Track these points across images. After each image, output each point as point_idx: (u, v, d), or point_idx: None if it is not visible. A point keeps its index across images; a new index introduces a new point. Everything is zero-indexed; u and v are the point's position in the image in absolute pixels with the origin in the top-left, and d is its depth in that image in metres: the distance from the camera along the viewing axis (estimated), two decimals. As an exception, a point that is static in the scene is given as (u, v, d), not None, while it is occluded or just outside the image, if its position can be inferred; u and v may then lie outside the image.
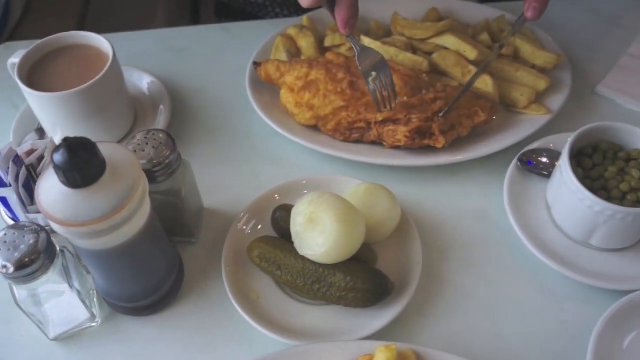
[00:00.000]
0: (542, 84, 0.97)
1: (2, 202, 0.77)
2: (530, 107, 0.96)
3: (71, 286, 0.72)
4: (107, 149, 0.65)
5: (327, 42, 1.05)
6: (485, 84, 0.96)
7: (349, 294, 0.74)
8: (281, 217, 0.81)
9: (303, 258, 0.76)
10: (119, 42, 0.96)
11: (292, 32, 1.06)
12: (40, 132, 0.97)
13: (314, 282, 0.75)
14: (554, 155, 0.89)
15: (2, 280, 0.69)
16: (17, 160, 0.77)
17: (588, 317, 0.77)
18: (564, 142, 0.82)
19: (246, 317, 0.76)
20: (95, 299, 0.79)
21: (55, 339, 0.78)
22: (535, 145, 0.92)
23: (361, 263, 0.77)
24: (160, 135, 0.77)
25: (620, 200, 0.79)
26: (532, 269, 0.83)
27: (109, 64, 0.88)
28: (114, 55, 0.90)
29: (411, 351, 0.70)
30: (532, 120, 0.96)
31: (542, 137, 0.93)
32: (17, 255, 0.66)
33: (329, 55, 0.98)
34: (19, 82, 0.87)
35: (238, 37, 1.16)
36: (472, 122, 0.93)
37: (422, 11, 1.11)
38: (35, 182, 0.78)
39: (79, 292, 0.74)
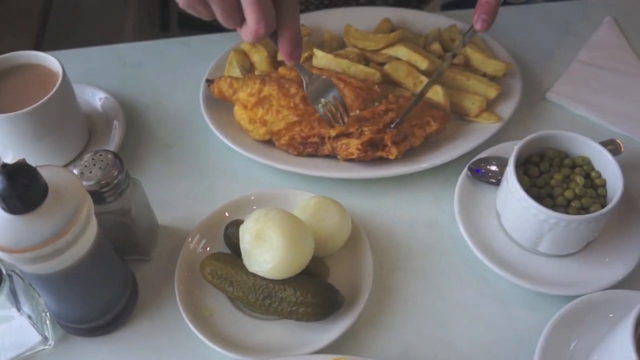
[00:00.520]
0: (492, 92, 0.99)
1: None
2: (482, 116, 0.98)
3: (19, 310, 0.72)
4: (49, 173, 0.65)
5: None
6: (436, 94, 0.97)
7: (300, 308, 0.75)
8: (232, 234, 0.81)
9: (254, 274, 0.76)
10: (75, 59, 0.97)
11: (245, 46, 1.06)
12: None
13: (265, 298, 0.76)
14: (503, 163, 0.90)
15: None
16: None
17: (537, 323, 0.78)
18: (513, 150, 0.84)
19: (199, 335, 0.76)
20: (47, 321, 0.79)
21: (7, 364, 0.78)
22: (485, 153, 0.94)
23: (312, 277, 0.77)
24: (109, 156, 0.77)
25: (565, 207, 0.81)
26: (483, 277, 0.84)
27: (58, 84, 0.88)
28: (64, 74, 0.90)
29: (360, 364, 0.71)
30: (484, 129, 0.97)
31: (493, 145, 0.95)
32: (-39, 282, 0.66)
33: (282, 70, 0.99)
34: (-33, 104, 0.87)
35: (196, 51, 1.16)
36: (424, 131, 0.94)
37: (376, 22, 1.12)
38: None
39: (29, 316, 0.74)
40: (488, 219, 0.88)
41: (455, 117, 1.00)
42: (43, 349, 0.78)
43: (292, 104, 0.94)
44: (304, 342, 0.76)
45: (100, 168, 0.75)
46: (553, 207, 0.80)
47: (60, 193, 0.64)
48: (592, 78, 1.10)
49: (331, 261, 0.83)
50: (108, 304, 0.77)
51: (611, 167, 0.81)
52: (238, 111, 0.96)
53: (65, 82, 0.90)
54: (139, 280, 0.85)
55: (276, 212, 0.74)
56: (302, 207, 0.81)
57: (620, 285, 0.81)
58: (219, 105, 1.01)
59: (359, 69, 0.99)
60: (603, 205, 0.79)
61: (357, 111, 0.94)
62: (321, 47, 1.08)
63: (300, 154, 0.94)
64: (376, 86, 0.98)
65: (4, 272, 0.70)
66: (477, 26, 0.90)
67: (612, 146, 0.94)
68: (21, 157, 0.64)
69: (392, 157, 0.91)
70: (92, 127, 1.01)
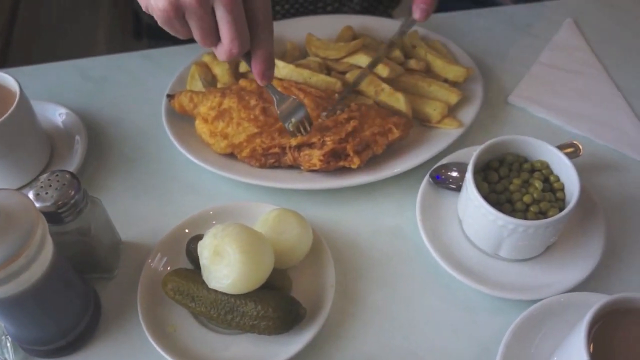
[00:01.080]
0: (453, 97, 1.00)
1: None
2: (443, 122, 0.98)
3: (-23, 334, 0.72)
4: (0, 197, 0.64)
5: (242, 68, 1.05)
6: (397, 101, 0.98)
7: (261, 322, 0.75)
8: (194, 249, 0.81)
9: (216, 289, 0.76)
10: (37, 75, 0.96)
11: (206, 59, 1.06)
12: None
13: (226, 313, 0.76)
14: (464, 169, 0.90)
15: None
16: None
17: (499, 328, 0.79)
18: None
19: (162, 352, 0.76)
20: (8, 344, 0.78)
21: (-32, 388, 0.77)
22: (447, 159, 0.94)
23: (273, 290, 0.77)
24: (66, 176, 0.76)
25: (524, 212, 0.81)
26: (445, 283, 0.85)
27: (15, 104, 0.87)
28: (21, 93, 0.89)
29: (322, 376, 0.71)
30: (446, 135, 0.98)
31: (456, 150, 0.96)
32: None
33: (242, 82, 0.99)
34: None
35: (159, 64, 1.16)
36: (386, 139, 0.94)
37: (339, 30, 1.13)
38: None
39: (-12, 340, 0.74)
40: (450, 225, 0.89)
41: (418, 124, 1.00)
42: (5, 372, 0.78)
43: (252, 116, 0.94)
44: (267, 356, 0.76)
45: (56, 189, 0.74)
46: (512, 212, 0.81)
47: (11, 216, 0.64)
48: (553, 80, 1.11)
49: (294, 273, 0.83)
50: (69, 325, 0.77)
51: (568, 171, 0.82)
52: (199, 125, 0.96)
53: (23, 101, 0.90)
54: (102, 298, 0.84)
55: (234, 228, 0.74)
56: (263, 221, 0.82)
57: (581, 287, 0.82)
58: (183, 119, 1.01)
59: (320, 79, 1.00)
60: (561, 209, 0.80)
61: (320, 120, 0.94)
62: (284, 57, 1.08)
63: (263, 166, 0.94)
64: (337, 95, 0.98)
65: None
66: (416, 15, 0.91)
67: (571, 149, 0.96)
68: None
69: (354, 166, 0.91)
70: (53, 144, 1.01)
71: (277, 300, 0.75)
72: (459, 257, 0.85)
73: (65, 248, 0.76)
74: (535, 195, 0.82)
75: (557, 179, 0.84)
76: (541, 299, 0.79)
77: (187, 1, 0.71)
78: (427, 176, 0.92)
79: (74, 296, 0.77)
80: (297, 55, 1.10)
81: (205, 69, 1.05)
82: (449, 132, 0.98)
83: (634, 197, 0.94)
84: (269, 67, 0.82)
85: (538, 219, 0.79)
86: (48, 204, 0.73)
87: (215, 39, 0.77)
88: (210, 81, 1.05)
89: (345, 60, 1.04)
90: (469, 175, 0.81)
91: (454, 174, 0.91)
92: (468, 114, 1.01)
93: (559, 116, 1.05)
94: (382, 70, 1.00)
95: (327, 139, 0.92)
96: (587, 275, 0.82)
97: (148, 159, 1.01)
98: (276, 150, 0.93)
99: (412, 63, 1.04)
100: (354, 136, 0.92)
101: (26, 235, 0.64)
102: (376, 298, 0.84)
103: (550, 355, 0.73)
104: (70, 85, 1.14)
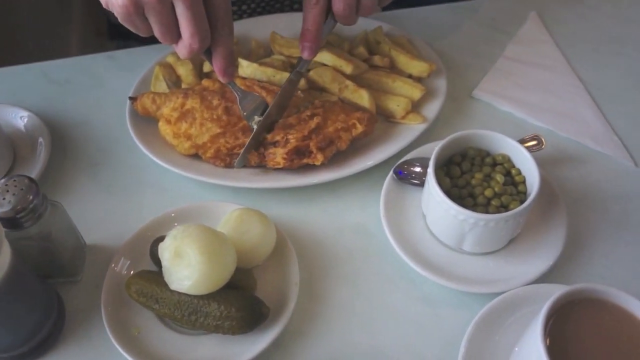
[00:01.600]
0: (417, 93, 1.00)
1: None
2: (407, 117, 0.99)
3: (-64, 343, 0.71)
4: (-46, 204, 0.64)
5: (206, 68, 1.05)
6: (361, 98, 0.98)
7: (225, 322, 0.75)
8: (157, 251, 0.80)
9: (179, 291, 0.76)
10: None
11: (170, 60, 1.06)
12: None
13: (190, 314, 0.76)
14: (427, 164, 0.90)
15: None
16: None
17: (463, 322, 0.79)
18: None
19: (126, 355, 0.76)
20: (-29, 351, 0.78)
21: None
22: (411, 155, 0.95)
23: (236, 290, 0.77)
24: (25, 181, 0.75)
25: (486, 206, 0.82)
26: (410, 279, 0.85)
27: (-27, 108, 0.86)
28: (-21, 98, 0.88)
29: (285, 375, 0.71)
30: (410, 130, 0.98)
31: (420, 146, 0.96)
32: None
33: (205, 82, 0.98)
34: None
35: (122, 65, 1.15)
36: (350, 135, 0.95)
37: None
38: None
39: (-52, 348, 0.73)
40: (414, 220, 0.89)
41: (382, 120, 1.01)
42: (-33, 380, 0.77)
43: (215, 116, 0.94)
44: (232, 355, 0.76)
45: (14, 194, 0.74)
46: (474, 206, 0.82)
47: (-34, 223, 0.63)
48: (518, 74, 1.12)
49: (258, 272, 0.83)
50: (32, 331, 0.76)
51: (529, 164, 0.82)
52: (162, 126, 0.95)
53: (-18, 105, 0.89)
54: (67, 302, 0.84)
55: (194, 228, 0.74)
56: (225, 221, 0.82)
57: (544, 278, 0.83)
58: (148, 120, 1.00)
59: (284, 77, 0.99)
60: (523, 202, 0.80)
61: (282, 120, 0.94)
62: (248, 56, 1.08)
63: (228, 166, 0.94)
64: (299, 92, 0.98)
65: None
66: (304, 54, 0.91)
67: (535, 141, 0.97)
68: None
69: (318, 163, 0.91)
70: (16, 148, 1.00)
71: (240, 300, 0.75)
72: (423, 253, 0.86)
73: (27, 253, 0.75)
74: (496, 189, 0.82)
75: (519, 172, 0.84)
76: (505, 292, 0.80)
77: None
78: (391, 172, 0.92)
79: (35, 302, 0.76)
80: (262, 53, 1.09)
81: (170, 69, 1.05)
82: (413, 128, 0.99)
83: (596, 188, 0.95)
84: (230, 64, 0.83)
85: (500, 212, 0.80)
86: (6, 209, 0.73)
87: (176, 35, 0.78)
88: (175, 82, 1.04)
89: (309, 58, 1.04)
90: (430, 171, 0.82)
91: (417, 169, 0.92)
92: (432, 109, 1.01)
93: (522, 109, 1.06)
94: (346, 67, 1.00)
95: (291, 136, 0.92)
96: (549, 266, 0.83)
97: (113, 162, 1.01)
98: (240, 150, 0.92)
99: (376, 59, 1.05)
100: (317, 133, 0.92)
101: (-19, 241, 0.63)
102: (341, 295, 0.84)
103: (512, 348, 0.73)
104: (33, 88, 1.12)
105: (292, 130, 0.93)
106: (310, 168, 0.94)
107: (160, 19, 0.75)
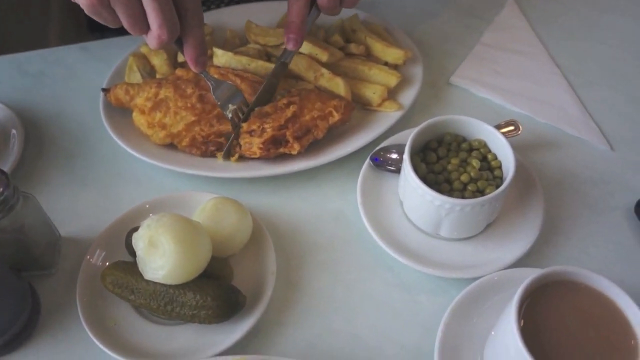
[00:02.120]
0: (393, 80, 1.00)
1: None
2: (384, 105, 0.99)
3: None
4: None
5: (181, 58, 1.04)
6: (337, 86, 0.98)
7: (201, 311, 0.74)
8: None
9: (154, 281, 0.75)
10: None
11: (144, 50, 1.05)
12: None
13: (166, 304, 0.75)
14: (403, 151, 0.91)
15: None
16: None
17: (441, 307, 0.79)
18: (410, 138, 0.85)
19: (102, 347, 0.75)
20: (-58, 346, 0.76)
21: None
22: (388, 142, 0.95)
23: (212, 279, 0.77)
24: (-6, 173, 0.75)
25: (462, 191, 0.82)
26: (388, 266, 0.85)
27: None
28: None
29: (262, 362, 0.70)
30: (387, 118, 0.98)
31: (397, 132, 0.96)
32: None
33: (179, 71, 0.97)
34: None
35: (96, 56, 1.14)
36: (327, 123, 0.94)
37: (279, 16, 1.12)
38: None
39: None
40: (392, 207, 0.89)
41: (359, 108, 1.00)
42: (-60, 375, 0.76)
43: (189, 104, 0.93)
44: (209, 345, 0.76)
45: (-18, 186, 0.73)
46: (450, 192, 0.82)
47: None
48: (495, 60, 1.12)
49: (235, 261, 0.82)
50: (5, 324, 0.75)
51: (505, 149, 0.82)
52: (136, 117, 0.94)
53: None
54: (42, 295, 0.83)
55: (168, 218, 0.73)
56: (200, 210, 0.81)
57: (521, 263, 0.83)
58: (122, 111, 0.99)
59: (259, 65, 0.99)
60: (499, 187, 0.80)
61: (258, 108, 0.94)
62: (224, 45, 1.07)
63: (204, 154, 0.93)
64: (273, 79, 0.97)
65: None
66: (288, 46, 0.93)
67: (511, 127, 0.97)
68: None
69: (294, 152, 0.91)
70: (-12, 141, 0.99)
71: (216, 289, 0.75)
72: (401, 239, 0.85)
73: (-1, 246, 0.75)
74: (472, 174, 0.82)
75: (495, 157, 0.84)
76: (482, 277, 0.80)
77: None
78: (368, 159, 0.92)
79: (7, 295, 0.75)
80: (237, 43, 1.09)
81: (143, 60, 1.04)
82: (390, 115, 0.98)
83: (572, 172, 0.95)
84: (202, 53, 0.83)
85: (475, 197, 0.80)
86: (-24, 201, 0.72)
87: (145, 26, 0.77)
88: (149, 72, 1.03)
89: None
90: (406, 157, 0.81)
91: (394, 156, 0.92)
92: (408, 96, 1.01)
93: (500, 96, 1.06)
94: (322, 55, 1.00)
95: (267, 126, 0.91)
96: (527, 250, 0.83)
97: (88, 153, 1.00)
98: (221, 140, 0.92)
99: (352, 47, 1.04)
100: (294, 122, 0.92)
101: (-51, 233, 0.62)
102: (318, 283, 0.84)
103: (488, 332, 0.73)
104: (7, 80, 1.11)
105: (268, 119, 0.92)
106: (286, 157, 0.93)
107: (127, 10, 0.75)
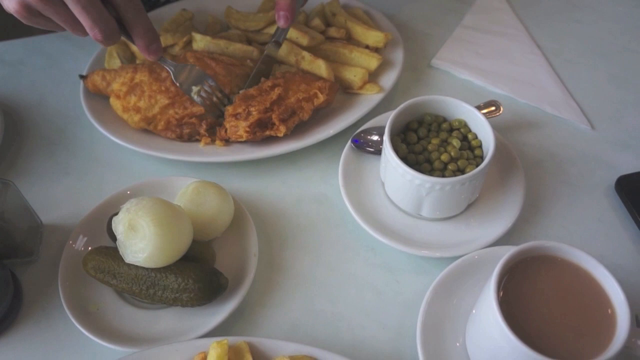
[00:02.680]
0: (374, 62, 1.00)
1: None
2: (365, 88, 0.99)
3: None
4: None
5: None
6: (319, 68, 0.98)
7: (183, 294, 0.74)
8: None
9: (136, 265, 0.75)
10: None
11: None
12: None
13: (148, 287, 0.75)
14: (384, 133, 0.91)
15: None
16: None
17: (422, 287, 0.79)
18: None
19: (84, 332, 0.75)
20: None
21: None
22: (369, 124, 0.95)
23: (194, 262, 0.77)
24: (-27, 160, 0.74)
25: (442, 170, 0.82)
26: (370, 247, 0.85)
27: None
28: None
29: (244, 343, 0.70)
30: (368, 100, 0.98)
31: (379, 115, 0.96)
32: None
33: (155, 57, 0.97)
34: None
35: (77, 45, 1.13)
36: (312, 104, 0.94)
37: (259, 2, 1.12)
38: None
39: None
40: (374, 188, 0.89)
41: (340, 91, 1.00)
42: None
43: (163, 88, 0.93)
44: (191, 327, 0.76)
45: (-39, 172, 0.72)
46: (431, 171, 0.82)
47: None
48: (476, 42, 1.13)
49: (217, 244, 0.82)
50: (-14, 311, 0.75)
51: (484, 128, 0.83)
52: (113, 101, 0.94)
53: None
54: (24, 282, 0.83)
55: (147, 201, 0.73)
56: (181, 194, 0.81)
57: (503, 241, 0.83)
58: (104, 99, 0.98)
59: (237, 48, 0.99)
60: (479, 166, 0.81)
61: (241, 91, 0.94)
62: (205, 31, 1.07)
63: (180, 137, 0.93)
64: (248, 61, 0.98)
65: None
66: (280, 23, 0.93)
67: (492, 107, 0.97)
68: None
69: (280, 134, 0.91)
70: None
71: (198, 272, 0.75)
72: (383, 220, 0.86)
73: (-22, 234, 0.74)
74: (452, 153, 0.82)
75: (475, 137, 0.85)
76: (463, 256, 0.80)
77: (32, 2, 0.72)
78: (349, 141, 0.92)
79: (-12, 281, 0.75)
80: (219, 29, 1.08)
81: (123, 46, 1.03)
82: (371, 98, 0.98)
83: (553, 151, 0.96)
84: (152, 41, 0.83)
85: (456, 176, 0.80)
86: (-47, 189, 0.71)
87: (83, 28, 0.78)
88: (129, 58, 1.03)
89: (266, 31, 1.03)
90: (386, 137, 0.81)
91: (375, 137, 0.92)
92: (389, 79, 1.01)
93: (481, 77, 1.06)
94: (302, 39, 1.00)
95: (252, 109, 0.91)
96: (508, 229, 0.84)
97: (69, 141, 0.99)
98: (192, 120, 0.92)
99: (333, 31, 1.04)
100: (279, 104, 0.92)
101: None
102: (302, 265, 0.84)
103: (470, 310, 0.73)
104: (-16, 70, 1.10)
105: (254, 102, 0.92)
106: (268, 140, 0.93)
107: (59, 17, 0.75)
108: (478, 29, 1.15)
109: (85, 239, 0.84)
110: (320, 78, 0.97)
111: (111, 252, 0.78)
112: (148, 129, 0.93)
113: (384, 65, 1.02)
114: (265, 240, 0.85)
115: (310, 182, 0.93)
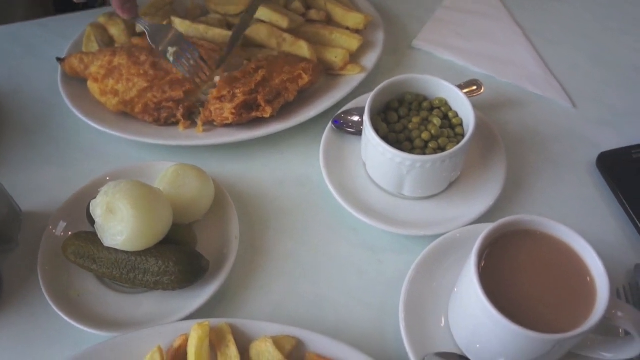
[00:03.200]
0: (354, 43, 0.99)
1: None
2: (346, 68, 0.98)
3: None
4: None
5: (139, 28, 1.02)
6: (301, 49, 0.97)
7: (164, 277, 0.73)
8: (92, 211, 0.79)
9: (116, 249, 0.75)
10: None
11: (102, 20, 1.03)
12: None
13: (129, 271, 0.74)
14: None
15: None
16: None
17: (405, 265, 0.79)
18: (371, 99, 0.84)
19: (65, 318, 0.74)
20: None
21: None
22: (351, 105, 0.94)
23: (175, 245, 0.76)
24: (-53, 146, 0.73)
25: (423, 149, 0.82)
26: (352, 227, 0.85)
27: None
28: None
29: (226, 325, 0.70)
30: (350, 81, 0.98)
31: (360, 96, 0.95)
32: None
33: (134, 40, 0.97)
34: None
35: (55, 32, 1.12)
36: (297, 85, 0.93)
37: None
38: None
39: None
40: (355, 169, 0.89)
41: (323, 73, 0.99)
42: None
43: (142, 71, 0.92)
44: (173, 311, 0.75)
45: None
46: (412, 150, 0.81)
47: None
48: (457, 23, 1.12)
49: (199, 227, 0.82)
50: (-36, 299, 0.74)
51: (465, 106, 0.82)
52: (90, 85, 0.93)
53: None
54: (4, 270, 0.82)
55: (125, 184, 0.72)
56: (161, 177, 0.80)
57: (485, 219, 0.83)
58: (82, 86, 0.97)
59: (216, 33, 0.98)
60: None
61: (226, 74, 0.93)
62: (185, 16, 1.06)
63: (157, 121, 0.92)
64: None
65: None
66: None
67: (474, 86, 0.97)
68: None
69: (267, 115, 0.90)
70: (-56, 120, 0.97)
71: (178, 255, 0.74)
72: (365, 200, 0.85)
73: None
74: (433, 131, 0.82)
75: (456, 115, 0.84)
76: (445, 234, 0.80)
77: None
78: (330, 123, 0.92)
79: (-34, 269, 0.74)
80: (198, 13, 1.07)
81: (101, 30, 1.02)
82: (353, 79, 0.98)
83: (534, 129, 0.96)
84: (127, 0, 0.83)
85: (437, 154, 0.80)
86: None
87: None
88: (107, 42, 1.02)
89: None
90: (366, 117, 0.81)
91: (355, 118, 0.91)
92: (371, 59, 1.01)
93: (463, 57, 1.06)
94: (282, 21, 0.99)
95: (237, 91, 0.90)
96: (490, 206, 0.84)
97: (48, 128, 0.98)
98: (169, 104, 0.91)
99: (313, 14, 1.04)
100: (264, 85, 0.91)
101: None
102: (284, 247, 0.83)
103: (451, 289, 0.73)
104: (-40, 59, 1.09)
105: (238, 84, 0.91)
106: (248, 123, 0.92)
107: None
108: (459, 9, 1.14)
109: (65, 224, 0.83)
110: (303, 59, 0.97)
111: (91, 237, 0.77)
112: (126, 111, 0.92)
113: (365, 47, 1.02)
114: (247, 223, 0.85)
115: (292, 165, 0.92)
